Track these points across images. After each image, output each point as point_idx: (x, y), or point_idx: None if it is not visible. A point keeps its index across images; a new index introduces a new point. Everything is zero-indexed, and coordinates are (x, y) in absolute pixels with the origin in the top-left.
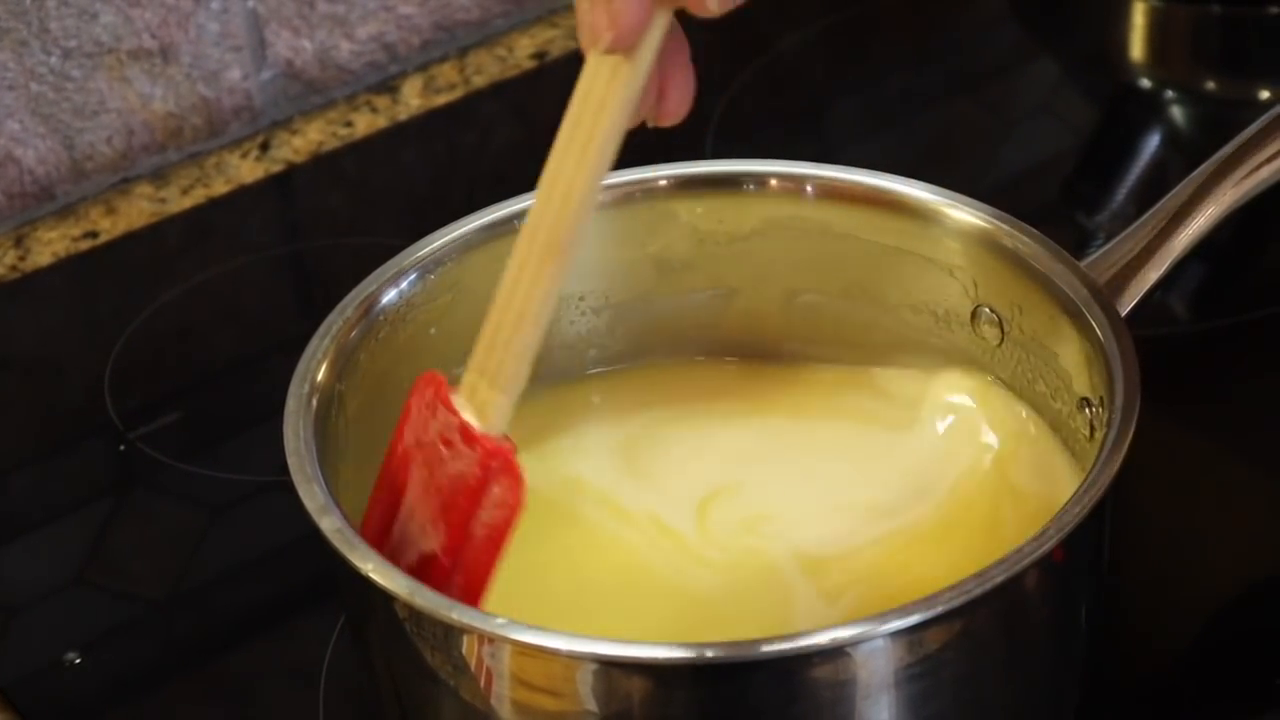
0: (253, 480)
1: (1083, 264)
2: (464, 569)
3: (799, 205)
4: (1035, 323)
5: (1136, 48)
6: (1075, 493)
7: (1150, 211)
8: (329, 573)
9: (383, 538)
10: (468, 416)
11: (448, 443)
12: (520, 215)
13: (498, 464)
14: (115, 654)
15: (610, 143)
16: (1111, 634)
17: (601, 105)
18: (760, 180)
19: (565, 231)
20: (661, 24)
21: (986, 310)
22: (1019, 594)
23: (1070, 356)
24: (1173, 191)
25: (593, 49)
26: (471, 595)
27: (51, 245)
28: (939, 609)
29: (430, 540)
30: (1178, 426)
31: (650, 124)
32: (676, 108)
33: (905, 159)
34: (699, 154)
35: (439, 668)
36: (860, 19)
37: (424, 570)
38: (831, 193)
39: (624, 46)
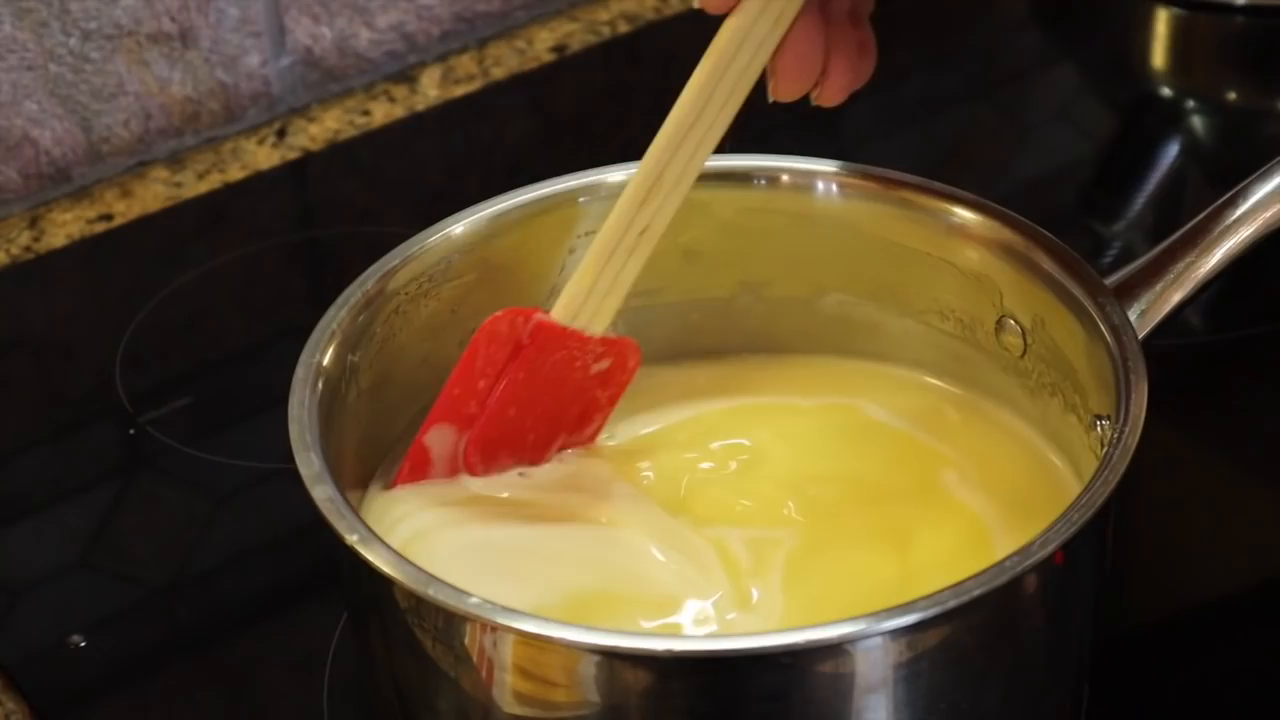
0: (261, 467)
1: (1108, 281)
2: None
3: (830, 203)
4: (1056, 336)
5: (1158, 56)
6: (1078, 498)
7: (1180, 232)
8: (334, 561)
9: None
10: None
11: (569, 357)
12: (547, 199)
13: (624, 347)
14: (120, 637)
15: (744, 98)
16: (1116, 641)
17: (749, 64)
18: (794, 175)
19: (693, 175)
20: None
21: (1011, 321)
22: (1019, 597)
23: (1088, 372)
24: (1203, 213)
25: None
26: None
27: (66, 227)
28: (938, 608)
29: (530, 443)
30: (1187, 437)
31: (814, 102)
32: (835, 90)
33: (922, 163)
34: (715, 151)
35: (439, 657)
36: (879, 22)
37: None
38: (863, 192)
39: (719, 7)
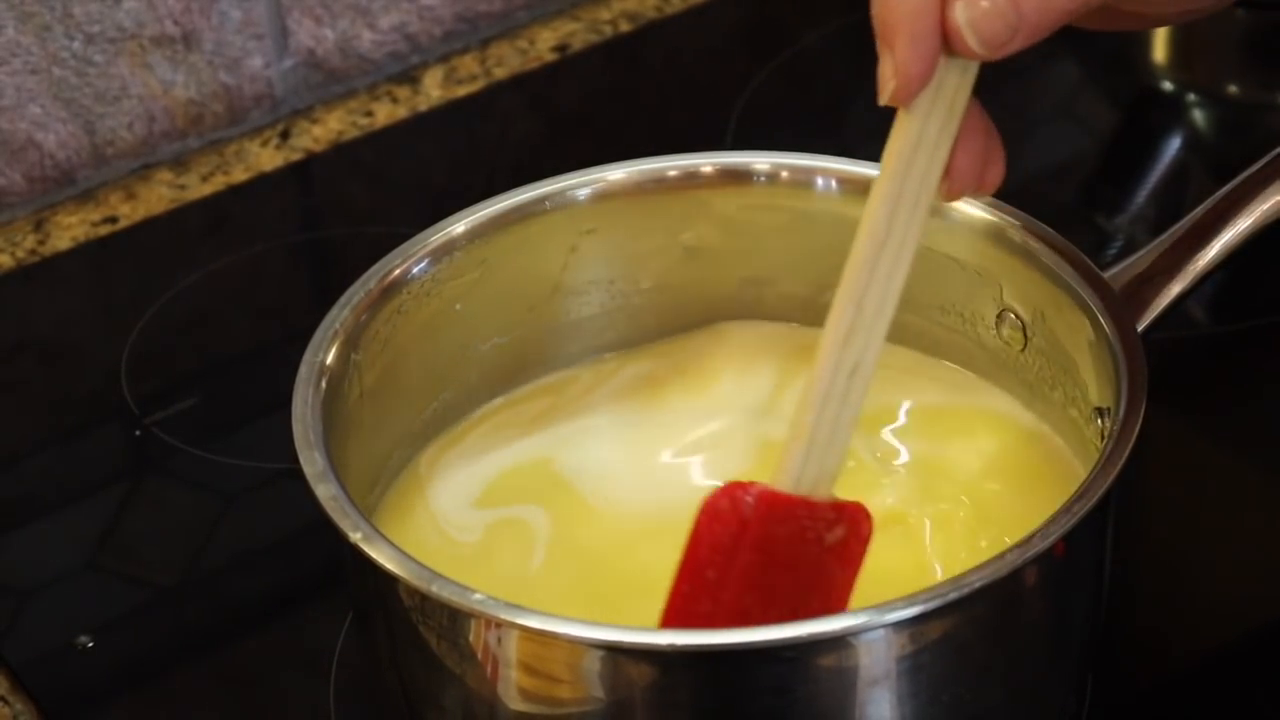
0: (268, 467)
1: (1107, 273)
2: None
3: (831, 199)
4: (1056, 330)
5: (1159, 50)
6: (1078, 489)
7: (1177, 225)
8: (341, 561)
9: None
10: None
11: (801, 529)
12: (549, 198)
13: (855, 512)
14: (127, 638)
15: (930, 202)
16: (1119, 632)
17: (930, 162)
18: (794, 172)
19: (894, 298)
20: (960, 66)
21: (1011, 315)
22: (1020, 589)
23: (1088, 366)
24: (1202, 205)
25: (882, 101)
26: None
27: (71, 230)
28: (940, 600)
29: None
30: (1191, 429)
31: (975, 194)
32: (997, 175)
33: None
34: (718, 148)
35: (444, 654)
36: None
37: None
38: (863, 188)
39: (906, 99)
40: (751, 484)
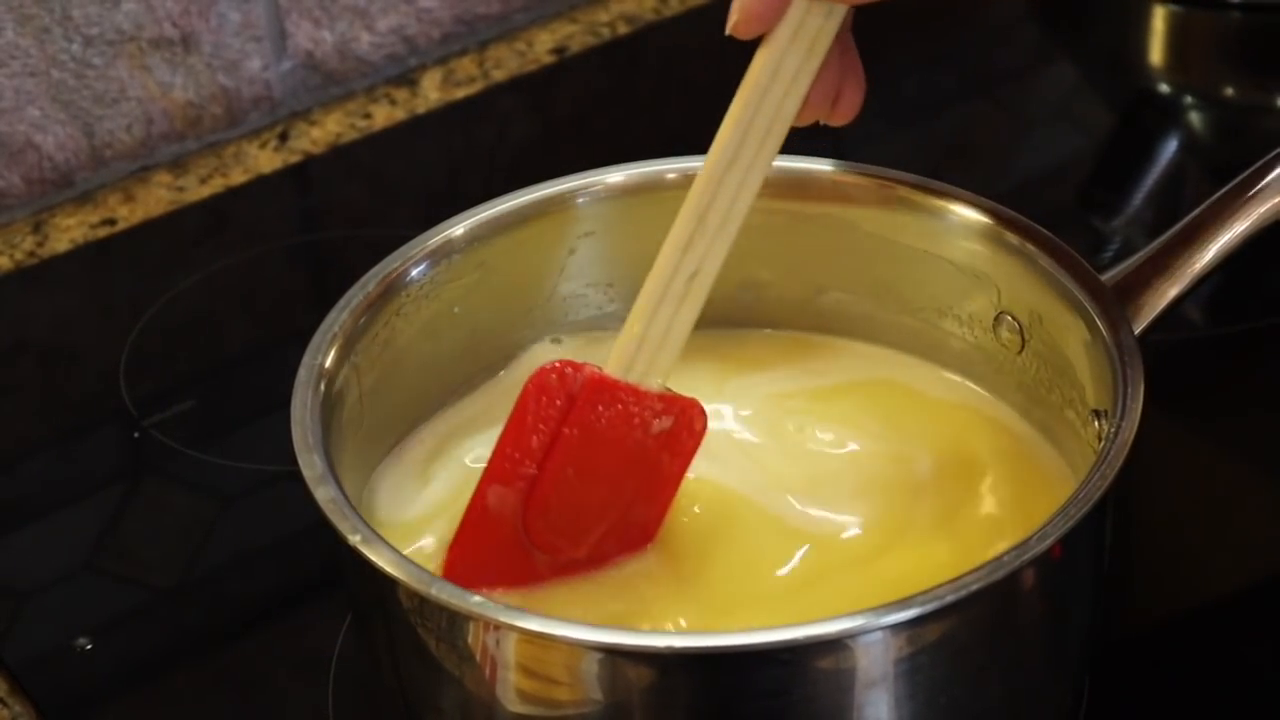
0: (266, 469)
1: (1103, 276)
2: (639, 515)
3: (828, 202)
4: (1053, 332)
5: (1155, 52)
6: (1075, 491)
7: (1174, 228)
8: (340, 563)
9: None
10: (636, 383)
11: (627, 413)
12: (547, 201)
13: (687, 406)
14: (126, 640)
15: (785, 132)
16: (1117, 635)
17: (785, 95)
18: (791, 175)
19: (739, 216)
20: (823, 11)
21: (1008, 317)
22: (1017, 591)
23: (1085, 368)
24: (1199, 208)
25: (726, 31)
26: (649, 532)
27: (69, 232)
28: (937, 603)
29: (595, 511)
30: (1189, 431)
31: (823, 122)
32: (849, 108)
33: (921, 160)
34: None
35: (443, 656)
36: (878, 19)
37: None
38: (860, 191)
39: (745, 32)
40: (582, 365)
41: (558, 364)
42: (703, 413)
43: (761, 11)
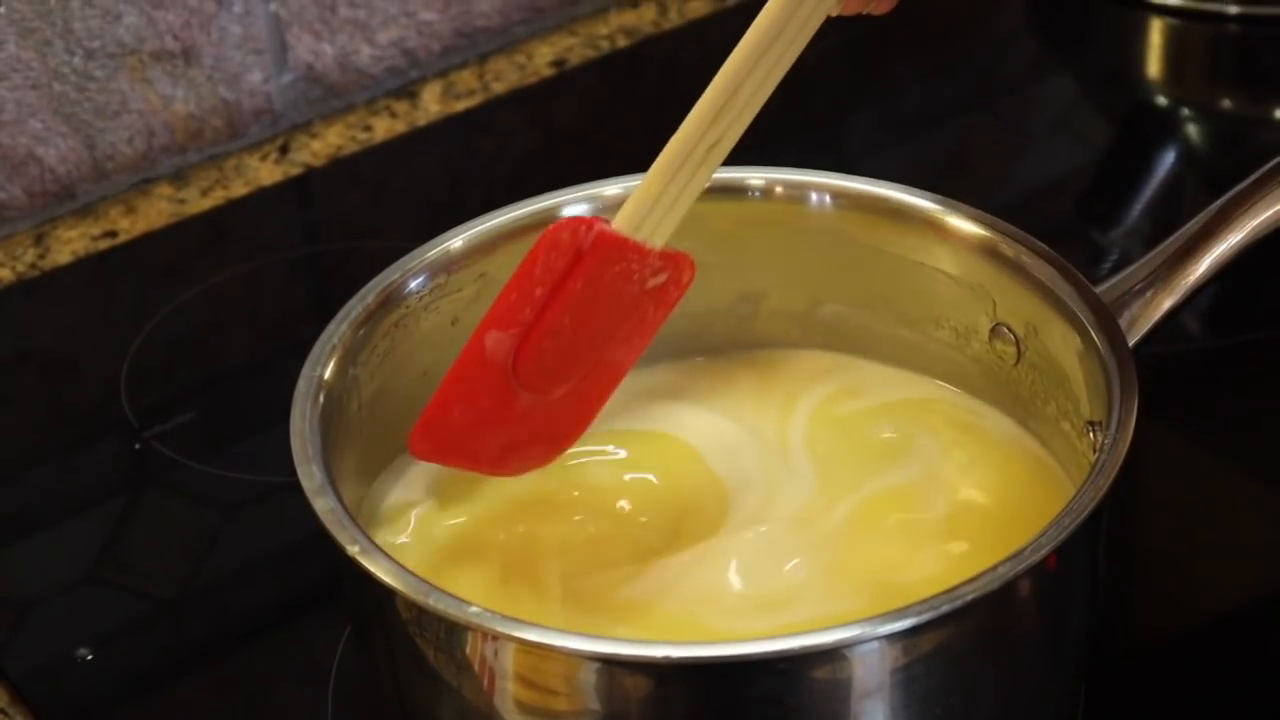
0: (266, 481)
1: (1098, 288)
2: (616, 357)
3: (825, 215)
4: (1049, 344)
5: (1153, 65)
6: (1069, 503)
7: (1168, 240)
8: (339, 573)
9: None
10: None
11: (629, 270)
12: (545, 213)
13: (680, 261)
14: (127, 651)
15: (825, 13)
16: (1113, 645)
17: None
18: (788, 187)
19: (767, 92)
20: None
21: (1004, 329)
22: (1013, 601)
23: (1080, 379)
24: (1192, 221)
25: None
26: (619, 374)
27: (71, 244)
28: (933, 613)
29: (583, 354)
30: (1187, 442)
31: (865, 11)
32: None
33: (921, 173)
34: None
35: (441, 666)
36: (879, 33)
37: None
38: (857, 204)
39: None
40: (593, 221)
41: (570, 220)
42: (692, 266)
43: None
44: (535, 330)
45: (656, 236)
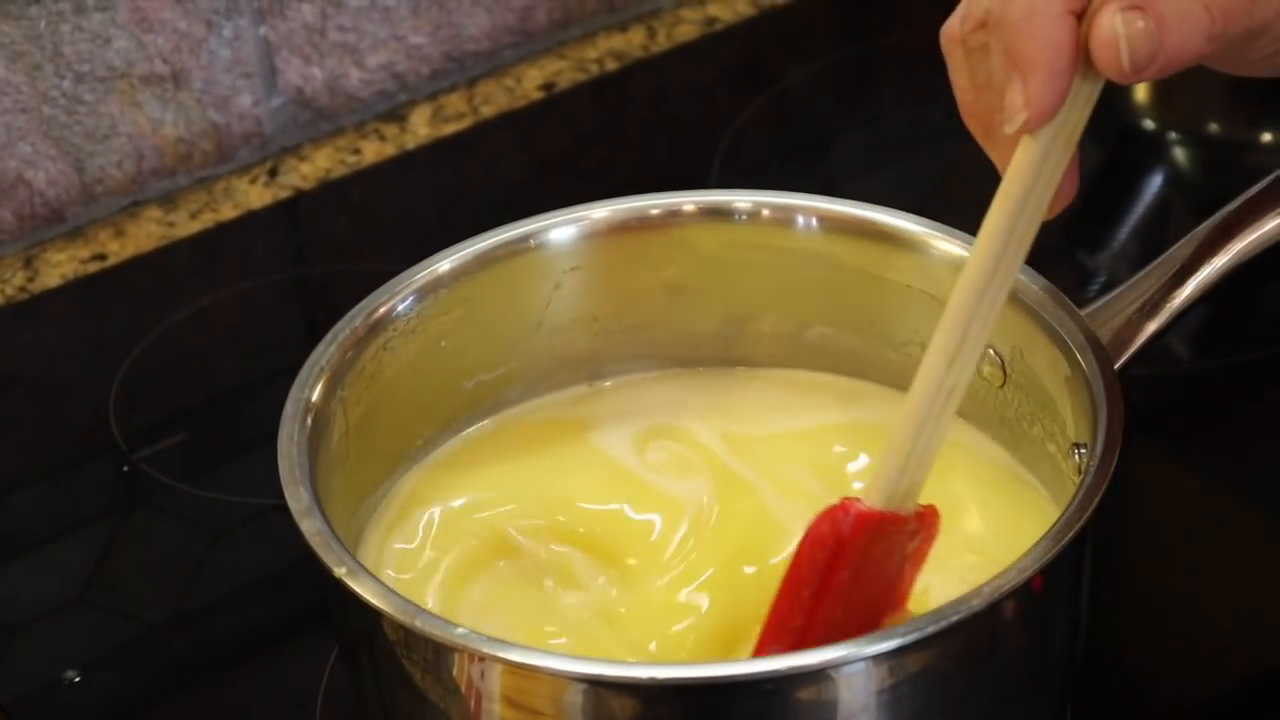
0: (255, 503)
1: (1084, 311)
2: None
3: (812, 238)
4: (1035, 366)
5: (1140, 89)
6: (1055, 524)
7: (1154, 263)
8: (326, 595)
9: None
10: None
11: (891, 544)
12: (534, 235)
13: (930, 517)
14: (115, 673)
15: (1037, 229)
16: (1098, 666)
17: (1044, 190)
18: (775, 210)
19: (993, 322)
20: (1088, 95)
21: (990, 351)
22: (998, 622)
23: (1066, 402)
24: (1178, 244)
25: (1009, 130)
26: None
27: (60, 267)
28: (919, 634)
29: (849, 627)
30: (1173, 464)
31: (1058, 212)
32: (1072, 189)
33: (909, 195)
34: (703, 186)
35: (428, 688)
36: (866, 56)
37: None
38: (843, 227)
39: (1037, 127)
40: (849, 506)
41: (828, 511)
42: (937, 516)
43: (1055, 104)
44: (810, 633)
45: (909, 501)
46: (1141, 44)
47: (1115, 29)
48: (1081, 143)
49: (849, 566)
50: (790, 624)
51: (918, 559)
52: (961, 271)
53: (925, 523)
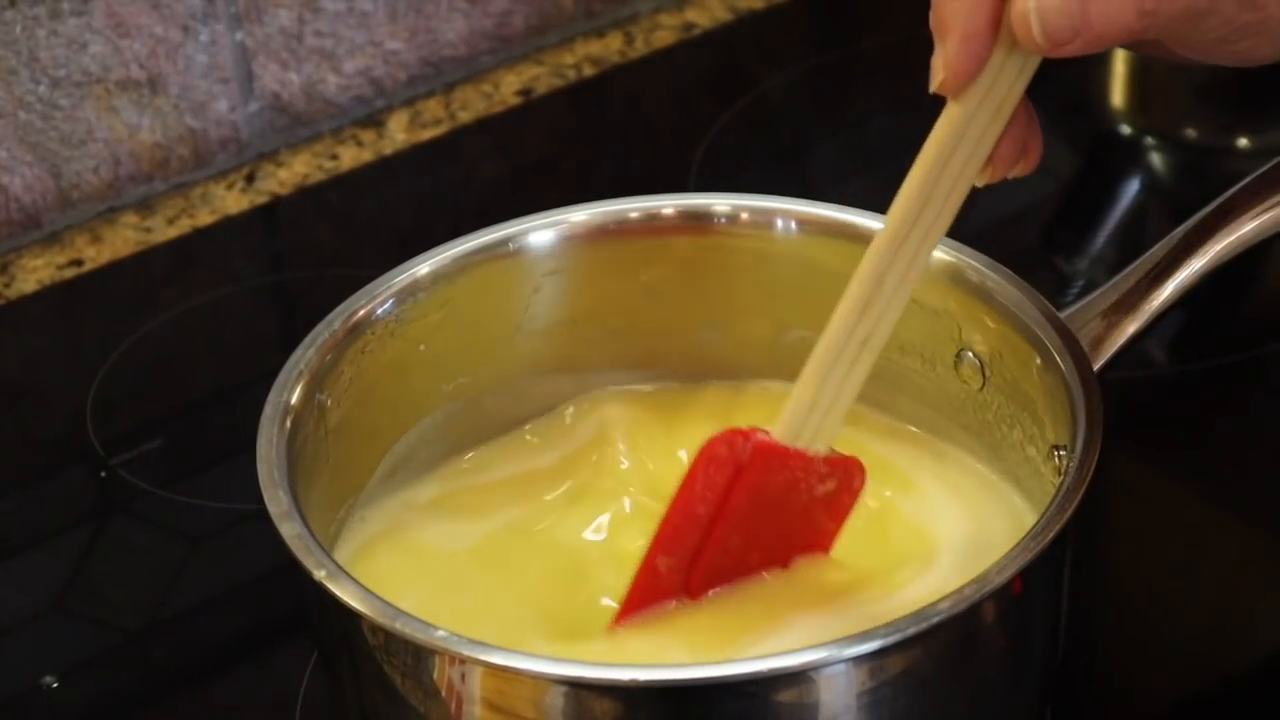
0: (233, 509)
1: (1063, 314)
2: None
3: (790, 242)
4: (1014, 369)
5: (1117, 95)
6: (1034, 526)
7: (1132, 265)
8: (306, 599)
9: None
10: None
11: (793, 479)
12: (512, 239)
13: (849, 466)
14: (93, 680)
15: (966, 192)
16: (1078, 668)
17: (970, 156)
18: (754, 215)
19: (915, 278)
20: (1019, 66)
21: (969, 354)
22: (978, 624)
23: (1045, 404)
24: (1155, 246)
25: (931, 89)
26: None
27: (36, 273)
28: (899, 635)
29: (755, 567)
30: (1151, 468)
31: (1008, 177)
32: (1035, 159)
33: (886, 201)
34: (682, 191)
35: (409, 691)
36: (844, 61)
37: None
38: (822, 230)
39: (953, 89)
40: (749, 433)
41: (726, 433)
42: (862, 470)
43: (970, 67)
44: (705, 552)
45: (818, 442)
46: (1057, 17)
47: (1025, 3)
48: (1058, 147)
49: (746, 490)
50: (686, 538)
51: (837, 508)
52: (884, 224)
53: (840, 470)
